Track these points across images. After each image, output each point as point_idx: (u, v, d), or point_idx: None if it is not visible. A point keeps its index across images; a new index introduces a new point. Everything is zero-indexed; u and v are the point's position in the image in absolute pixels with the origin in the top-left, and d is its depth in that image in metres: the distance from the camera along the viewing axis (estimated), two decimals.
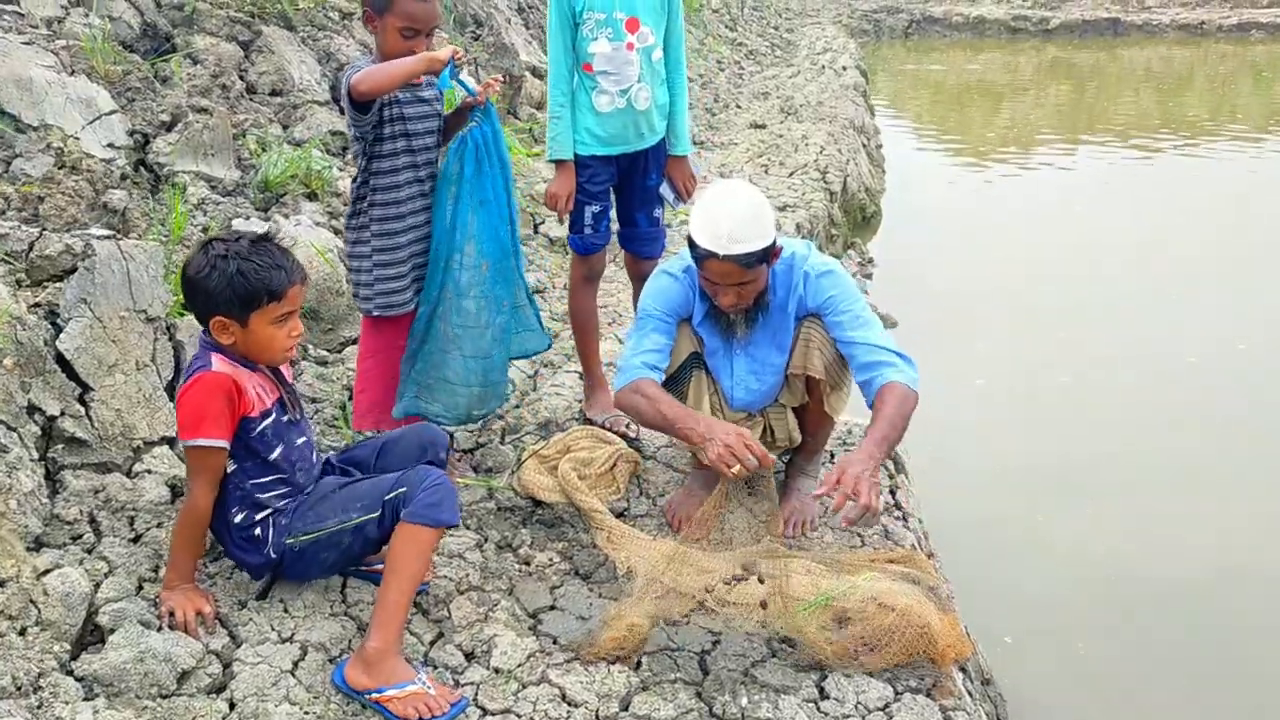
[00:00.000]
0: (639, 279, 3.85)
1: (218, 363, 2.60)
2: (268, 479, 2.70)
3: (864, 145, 10.33)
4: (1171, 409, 5.80)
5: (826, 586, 3.00)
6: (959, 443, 5.37)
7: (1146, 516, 4.76)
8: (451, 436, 3.86)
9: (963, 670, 3.03)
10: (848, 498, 2.82)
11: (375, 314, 3.30)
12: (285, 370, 2.83)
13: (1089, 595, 4.23)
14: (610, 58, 3.64)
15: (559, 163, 3.80)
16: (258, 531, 2.70)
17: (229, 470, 2.67)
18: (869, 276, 7.82)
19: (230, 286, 2.54)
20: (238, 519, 2.69)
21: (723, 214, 3.01)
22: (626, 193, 3.92)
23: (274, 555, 2.71)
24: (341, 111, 3.20)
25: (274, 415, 2.68)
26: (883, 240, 8.92)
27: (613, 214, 3.96)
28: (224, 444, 2.60)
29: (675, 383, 3.37)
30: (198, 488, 2.63)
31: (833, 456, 3.89)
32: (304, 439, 2.80)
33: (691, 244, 3.09)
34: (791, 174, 8.35)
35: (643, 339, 3.28)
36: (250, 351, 2.64)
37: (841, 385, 3.36)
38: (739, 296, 3.15)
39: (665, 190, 3.92)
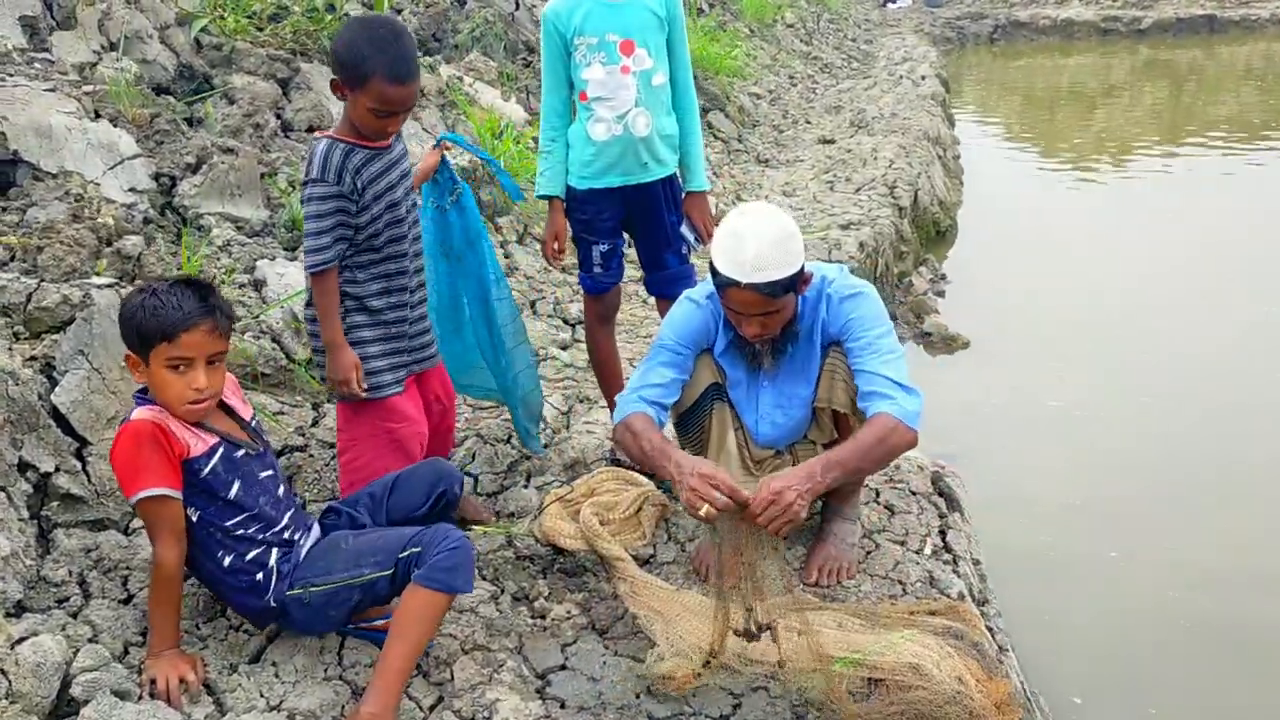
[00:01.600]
0: None
1: (140, 410, 2.50)
2: (237, 518, 2.58)
3: (939, 157, 9.98)
4: (1269, 440, 5.35)
5: (860, 643, 2.75)
6: (1028, 471, 5.04)
7: (1234, 557, 4.37)
8: (476, 480, 3.72)
9: None
10: (754, 512, 2.64)
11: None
12: (239, 404, 2.71)
13: (1167, 648, 3.87)
14: (604, 83, 3.46)
15: (549, 202, 3.63)
16: (259, 576, 2.57)
17: (195, 519, 2.55)
18: (940, 294, 7.50)
19: (131, 320, 2.47)
20: (227, 563, 2.57)
21: (747, 238, 2.81)
22: (646, 232, 3.71)
23: (274, 604, 2.58)
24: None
25: (220, 451, 2.55)
26: (958, 255, 8.55)
27: (628, 253, 3.77)
28: (169, 492, 2.46)
29: (694, 416, 3.17)
30: (160, 544, 2.50)
31: (877, 495, 3.63)
32: (269, 472, 2.67)
33: (713, 270, 2.89)
34: (858, 190, 8.07)
35: (649, 371, 3.09)
36: (158, 398, 2.50)
37: None
38: (764, 327, 2.95)
39: (685, 230, 3.71)
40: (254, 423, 2.72)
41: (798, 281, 2.89)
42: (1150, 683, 3.66)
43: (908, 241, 7.78)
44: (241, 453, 2.60)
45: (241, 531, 2.58)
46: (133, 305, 2.47)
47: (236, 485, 2.57)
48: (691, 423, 3.19)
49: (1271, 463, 5.12)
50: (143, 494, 2.44)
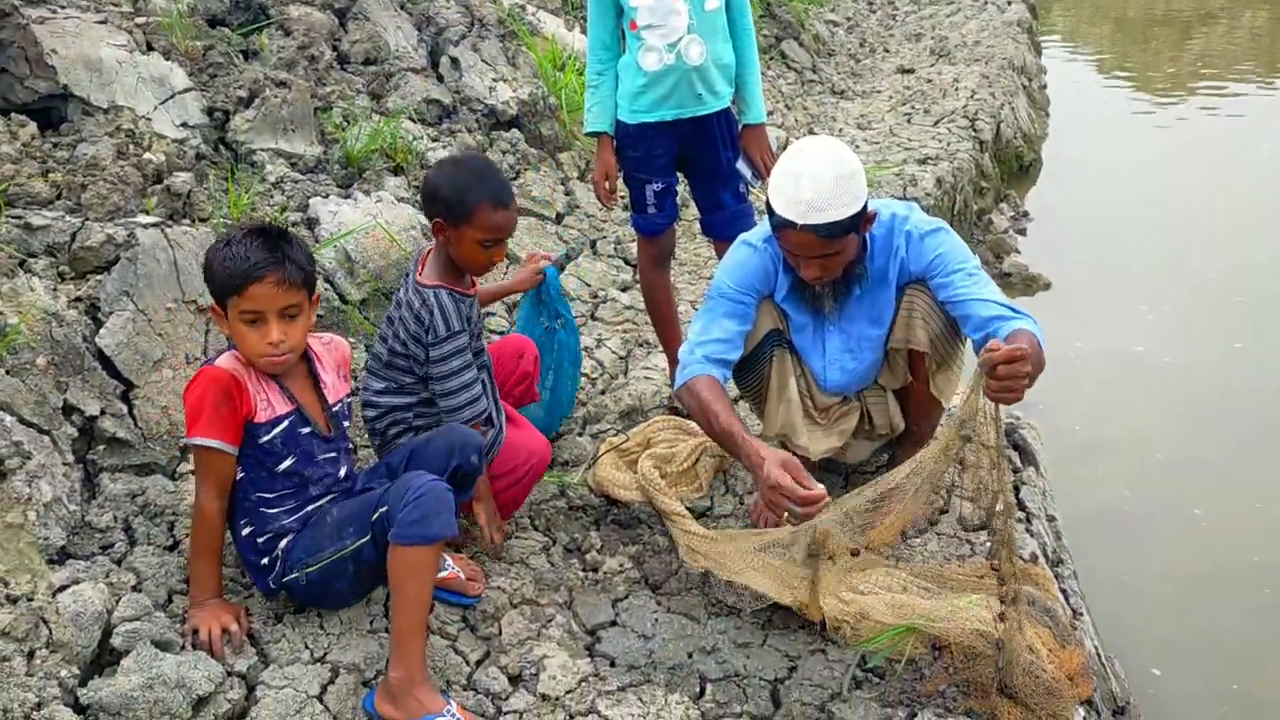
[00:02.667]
0: None
1: (224, 359, 2.43)
2: (275, 493, 2.50)
3: (1024, 87, 9.54)
4: None
5: (925, 609, 2.61)
6: (1108, 422, 4.80)
7: None
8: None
9: (1087, 703, 2.61)
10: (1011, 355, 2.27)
11: None
12: (333, 383, 2.61)
13: (1252, 617, 3.64)
14: (653, 9, 3.26)
15: (598, 139, 3.46)
16: (264, 560, 2.51)
17: (238, 478, 2.49)
18: (1021, 233, 7.19)
19: (208, 272, 2.40)
20: (244, 532, 2.51)
21: (804, 177, 2.63)
22: (702, 170, 3.52)
23: (274, 586, 2.53)
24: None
25: (287, 424, 2.47)
26: (1041, 192, 8.19)
27: (682, 194, 3.60)
28: (222, 446, 2.40)
29: (753, 365, 3.01)
30: (202, 491, 2.45)
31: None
32: (333, 455, 2.59)
33: (770, 210, 2.72)
34: (937, 122, 7.74)
35: (710, 324, 2.93)
36: (240, 350, 2.44)
37: (950, 363, 2.95)
38: (823, 269, 2.77)
39: (742, 166, 3.51)
40: (340, 407, 2.61)
41: (859, 221, 2.70)
42: (1233, 655, 3.45)
43: (988, 177, 7.46)
44: (308, 430, 2.51)
45: (273, 509, 2.51)
46: (210, 255, 2.39)
47: (290, 461, 2.49)
48: (750, 370, 3.05)
49: None
50: (198, 440, 2.40)
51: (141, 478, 2.86)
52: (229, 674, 2.41)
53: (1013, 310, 2.67)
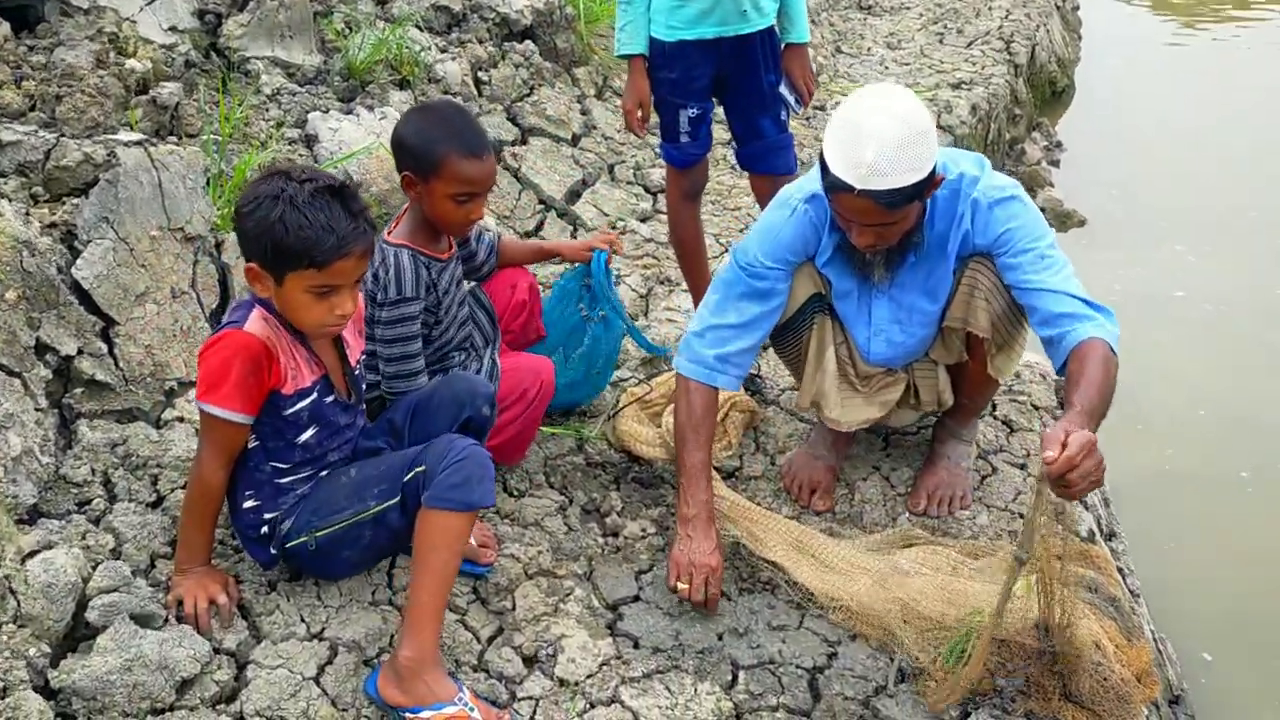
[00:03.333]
0: None
1: (254, 321, 2.13)
2: (292, 463, 2.25)
3: (1058, 7, 9.09)
4: None
5: (975, 595, 2.39)
6: (1148, 373, 4.52)
7: None
8: None
9: None
10: (1071, 461, 1.97)
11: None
12: (353, 342, 2.35)
13: None
14: None
15: (629, 61, 3.13)
16: (264, 530, 2.26)
17: (249, 446, 2.23)
18: (1055, 164, 6.86)
19: (267, 234, 2.03)
20: (248, 504, 2.26)
21: (867, 137, 2.26)
22: (741, 94, 3.20)
23: (273, 552, 2.28)
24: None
25: (314, 395, 2.21)
26: (1074, 119, 7.81)
27: (715, 123, 3.28)
28: (242, 418, 2.14)
29: (793, 332, 2.74)
30: (207, 458, 2.19)
31: (994, 409, 3.21)
32: (352, 423, 2.33)
33: (823, 166, 2.36)
34: (970, 44, 7.35)
35: (726, 304, 2.63)
36: (285, 312, 2.15)
37: (1012, 345, 2.64)
38: (879, 237, 2.43)
39: (785, 90, 3.19)
40: (359, 368, 2.36)
41: (926, 187, 2.35)
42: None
43: (1022, 104, 7.10)
44: (331, 399, 2.25)
45: (286, 479, 2.26)
46: (266, 215, 2.02)
47: (311, 431, 2.23)
48: (789, 338, 2.77)
49: None
50: (215, 410, 2.12)
51: (123, 425, 2.60)
52: (216, 651, 2.19)
53: (1087, 305, 2.33)
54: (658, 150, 4.81)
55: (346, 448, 2.34)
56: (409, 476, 2.17)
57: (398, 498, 2.18)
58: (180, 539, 2.28)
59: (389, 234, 2.59)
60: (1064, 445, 1.97)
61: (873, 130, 2.26)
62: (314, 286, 2.08)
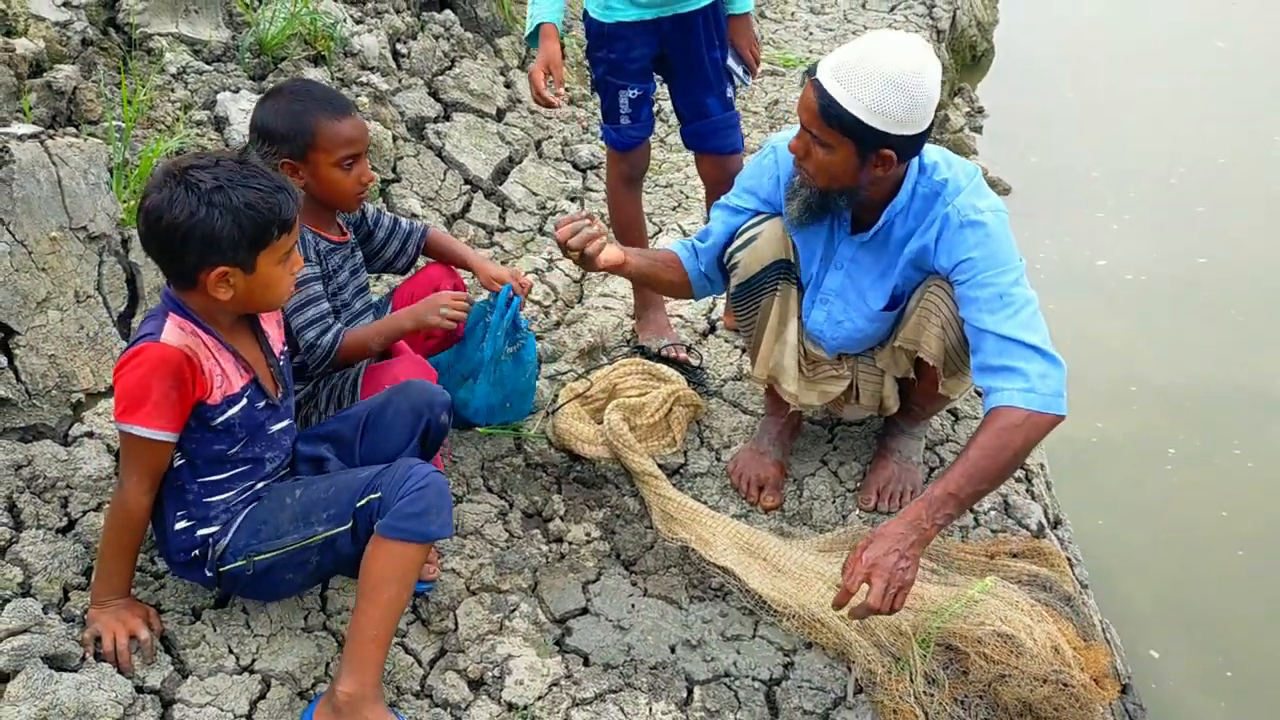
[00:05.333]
0: (723, 185, 2.94)
1: (170, 331, 1.97)
2: (223, 476, 2.10)
3: None
4: None
5: (933, 598, 2.35)
6: (1075, 345, 4.46)
7: None
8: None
9: None
10: (849, 592, 2.12)
11: None
12: (274, 334, 2.20)
13: (1234, 575, 3.43)
14: None
15: (540, 28, 2.95)
16: (197, 552, 2.11)
17: (175, 464, 2.07)
18: (978, 130, 6.84)
19: (238, 225, 1.91)
20: (179, 525, 2.10)
21: (859, 48, 2.22)
22: (684, 72, 3.08)
23: (209, 575, 2.13)
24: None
25: (244, 401, 2.06)
26: (994, 83, 7.80)
27: (659, 103, 3.16)
28: (167, 436, 1.99)
29: (753, 292, 2.66)
30: (131, 483, 2.03)
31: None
32: (283, 425, 2.19)
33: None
34: (893, 8, 7.29)
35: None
36: (252, 301, 2.03)
37: (964, 371, 2.56)
38: (806, 150, 2.31)
39: (733, 63, 3.09)
40: (283, 360, 2.21)
41: (866, 139, 2.22)
42: (1217, 622, 3.23)
43: (945, 69, 7.05)
44: (263, 403, 2.11)
45: (215, 497, 2.11)
46: (227, 208, 1.91)
47: (243, 442, 2.09)
48: (748, 297, 2.68)
49: None
50: (137, 430, 1.96)
51: (27, 444, 2.42)
52: (140, 690, 2.06)
53: (1033, 355, 2.25)
54: (587, 122, 4.69)
55: (280, 454, 2.19)
56: (362, 502, 2.04)
57: (349, 524, 2.06)
58: (99, 570, 2.12)
59: None
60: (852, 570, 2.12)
61: (868, 51, 2.20)
62: (284, 254, 2.01)
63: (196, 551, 2.11)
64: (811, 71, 2.27)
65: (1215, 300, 4.92)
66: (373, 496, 2.04)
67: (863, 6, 7.34)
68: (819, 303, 2.65)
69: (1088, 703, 2.15)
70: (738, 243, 2.62)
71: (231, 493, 2.13)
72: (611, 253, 2.53)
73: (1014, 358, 2.25)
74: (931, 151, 2.42)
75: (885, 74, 2.17)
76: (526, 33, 3.04)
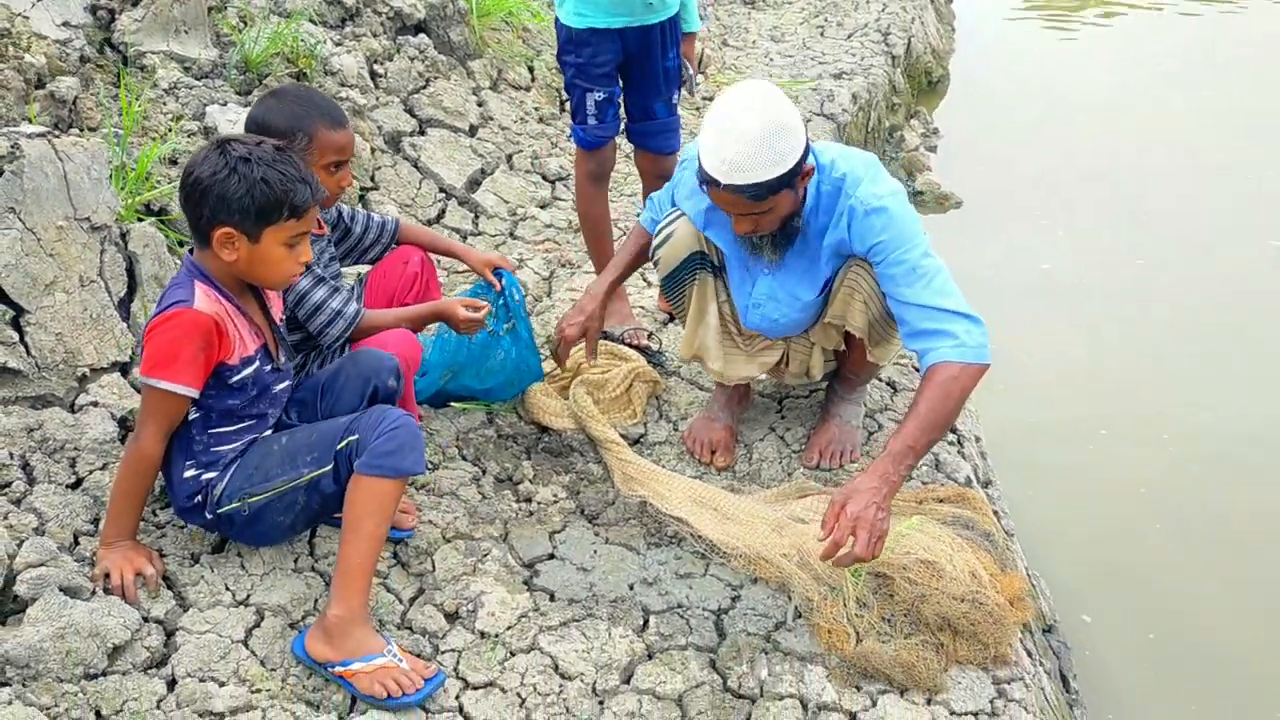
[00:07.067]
0: (660, 179, 3.32)
1: (201, 298, 2.22)
2: (231, 428, 2.35)
3: (931, 1, 9.47)
4: (1268, 297, 5.17)
5: None
6: (1019, 340, 4.78)
7: (1237, 429, 4.23)
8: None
9: (1022, 625, 2.63)
10: (837, 544, 2.36)
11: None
12: (275, 306, 2.45)
13: (1157, 538, 3.72)
14: None
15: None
16: (199, 497, 2.34)
17: (190, 417, 2.31)
18: (932, 149, 7.17)
19: (250, 194, 2.16)
20: (187, 474, 2.33)
21: (729, 133, 2.44)
22: (639, 78, 3.39)
23: (209, 517, 2.36)
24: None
25: (257, 363, 2.32)
26: (950, 107, 8.17)
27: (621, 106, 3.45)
28: (189, 392, 2.23)
29: (676, 283, 2.95)
30: (149, 432, 2.26)
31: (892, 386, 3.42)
32: (285, 385, 2.45)
33: (698, 164, 2.54)
34: (850, 36, 7.65)
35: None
36: (253, 272, 2.27)
37: (889, 339, 2.84)
38: (755, 225, 2.61)
39: (687, 63, 3.40)
40: (282, 327, 2.47)
41: (793, 178, 2.50)
42: (1145, 585, 3.50)
43: (900, 93, 7.41)
44: (270, 365, 2.36)
45: (223, 447, 2.35)
46: (246, 176, 2.15)
47: (253, 398, 2.35)
48: (673, 285, 2.98)
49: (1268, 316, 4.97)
50: (164, 384, 2.20)
51: (38, 411, 2.65)
52: (145, 620, 2.27)
53: (954, 317, 2.50)
54: (555, 138, 4.98)
55: (279, 410, 2.45)
56: (342, 444, 2.27)
57: (330, 465, 2.29)
58: (110, 514, 2.33)
59: None
60: (835, 524, 2.35)
61: (735, 129, 2.43)
62: (291, 237, 2.23)
63: (200, 496, 2.34)
64: (713, 183, 2.49)
65: (1148, 298, 5.25)
66: (351, 439, 2.27)
67: (821, 34, 7.70)
68: (753, 308, 2.90)
69: (1001, 619, 2.39)
70: (657, 240, 2.91)
71: (237, 443, 2.37)
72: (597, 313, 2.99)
73: (939, 321, 2.51)
74: (829, 149, 2.68)
75: (760, 136, 2.42)
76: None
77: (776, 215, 2.59)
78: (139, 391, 2.81)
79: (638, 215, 3.05)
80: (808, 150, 2.54)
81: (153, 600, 2.31)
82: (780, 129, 2.44)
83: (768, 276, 2.82)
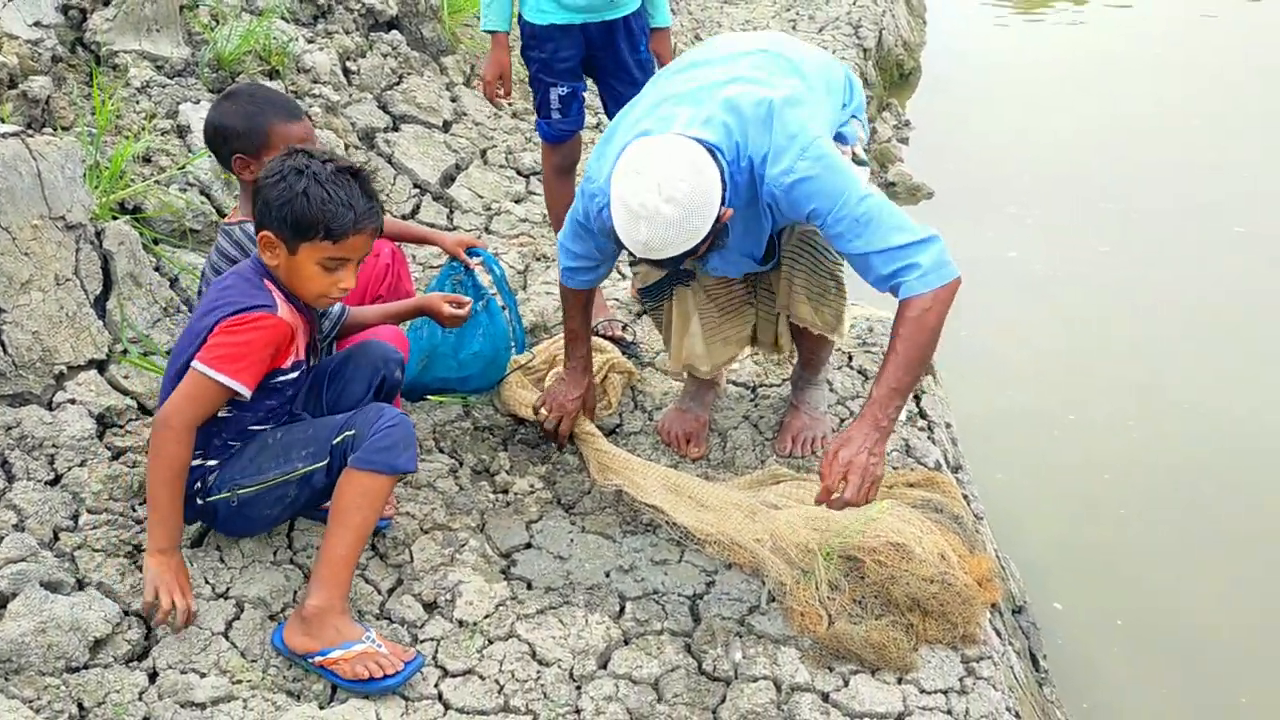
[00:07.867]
0: None
1: (282, 306, 2.28)
2: (248, 427, 2.40)
3: None
4: (1229, 283, 5.26)
5: (836, 520, 2.63)
6: (990, 328, 4.87)
7: (1201, 414, 4.31)
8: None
9: (991, 605, 2.68)
10: (829, 490, 2.40)
11: None
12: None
13: (1124, 521, 3.79)
14: None
15: (492, 37, 3.34)
16: (197, 484, 2.37)
17: (221, 415, 2.34)
18: (904, 141, 7.24)
19: (288, 205, 2.20)
20: (194, 462, 2.35)
21: (640, 219, 2.34)
22: (609, 71, 3.42)
23: (199, 503, 2.39)
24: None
25: (302, 369, 2.40)
26: (921, 100, 8.24)
27: (589, 100, 3.49)
28: (246, 392, 2.27)
29: (656, 294, 2.98)
30: (186, 419, 2.23)
31: (850, 360, 3.48)
32: (307, 385, 2.52)
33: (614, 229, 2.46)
34: (821, 29, 7.70)
35: (576, 235, 2.81)
36: (289, 281, 2.31)
37: (839, 320, 2.88)
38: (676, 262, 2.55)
39: (659, 66, 3.43)
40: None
41: (712, 235, 2.42)
42: (1112, 568, 3.58)
43: (872, 85, 7.46)
44: (306, 367, 2.44)
45: (238, 441, 2.40)
46: (289, 187, 2.19)
47: (290, 399, 2.42)
48: (651, 295, 3.01)
49: (1234, 303, 5.06)
50: (223, 379, 2.22)
51: (15, 409, 2.66)
52: (126, 613, 2.30)
53: (907, 248, 2.43)
54: (529, 134, 5.00)
55: (298, 407, 2.51)
56: (338, 439, 2.31)
57: (325, 460, 2.33)
58: (156, 514, 2.25)
59: (227, 221, 2.73)
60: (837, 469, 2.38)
61: (644, 213, 2.33)
62: (326, 259, 2.25)
63: (198, 484, 2.36)
64: (646, 261, 2.52)
65: (1113, 284, 5.33)
66: (348, 434, 2.31)
67: (793, 28, 7.74)
68: (711, 271, 2.87)
69: (970, 599, 2.45)
70: (633, 268, 2.94)
71: (249, 438, 2.41)
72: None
73: (899, 259, 2.44)
74: (723, 112, 2.50)
75: (671, 219, 2.32)
76: (482, 27, 3.40)
77: (700, 251, 2.48)
78: (116, 389, 2.85)
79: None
80: (725, 194, 2.40)
81: (133, 596, 2.33)
82: (693, 207, 2.34)
83: (715, 252, 2.65)
